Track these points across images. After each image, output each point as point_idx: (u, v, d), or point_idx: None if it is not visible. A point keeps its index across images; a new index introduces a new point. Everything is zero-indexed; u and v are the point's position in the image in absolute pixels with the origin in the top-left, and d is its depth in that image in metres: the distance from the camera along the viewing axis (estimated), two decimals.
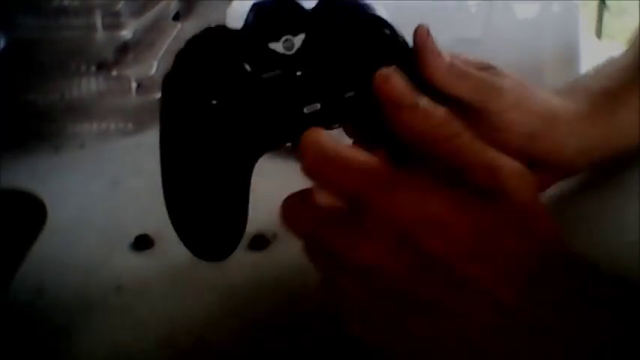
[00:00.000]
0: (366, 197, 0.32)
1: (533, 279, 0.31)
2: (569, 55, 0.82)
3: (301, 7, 0.40)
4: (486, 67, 0.46)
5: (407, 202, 0.31)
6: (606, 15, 1.30)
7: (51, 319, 0.49)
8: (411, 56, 0.41)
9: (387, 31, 0.41)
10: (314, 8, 0.40)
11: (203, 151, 0.38)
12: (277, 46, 0.39)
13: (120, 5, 0.73)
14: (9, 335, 0.47)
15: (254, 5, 0.41)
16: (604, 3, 1.25)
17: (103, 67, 0.74)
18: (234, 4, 0.82)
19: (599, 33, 1.27)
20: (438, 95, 0.40)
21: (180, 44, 0.42)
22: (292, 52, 0.39)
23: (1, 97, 0.71)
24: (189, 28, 0.95)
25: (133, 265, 0.54)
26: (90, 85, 0.73)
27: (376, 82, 0.36)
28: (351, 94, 0.39)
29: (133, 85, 0.74)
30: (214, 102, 0.37)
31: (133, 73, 0.74)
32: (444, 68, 0.42)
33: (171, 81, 0.40)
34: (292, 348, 0.46)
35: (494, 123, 0.46)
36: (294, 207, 0.36)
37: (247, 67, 0.38)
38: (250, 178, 0.40)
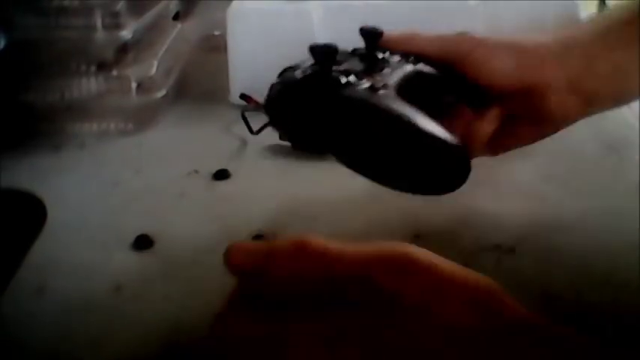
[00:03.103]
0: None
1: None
2: None
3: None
4: None
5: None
6: None
7: (51, 319, 0.49)
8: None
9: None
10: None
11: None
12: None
13: (120, 5, 0.73)
14: (9, 335, 0.47)
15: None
16: (604, 3, 1.25)
17: (103, 67, 0.74)
18: (233, 4, 0.82)
19: None
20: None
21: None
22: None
23: (1, 97, 0.71)
24: (189, 28, 0.95)
25: (133, 264, 0.54)
26: (90, 85, 0.73)
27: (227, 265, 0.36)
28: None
29: (133, 85, 0.74)
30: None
31: (133, 73, 0.74)
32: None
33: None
34: None
35: (473, 66, 0.52)
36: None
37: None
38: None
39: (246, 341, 0.32)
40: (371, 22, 0.84)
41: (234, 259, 0.35)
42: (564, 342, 0.29)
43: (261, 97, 0.83)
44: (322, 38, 0.82)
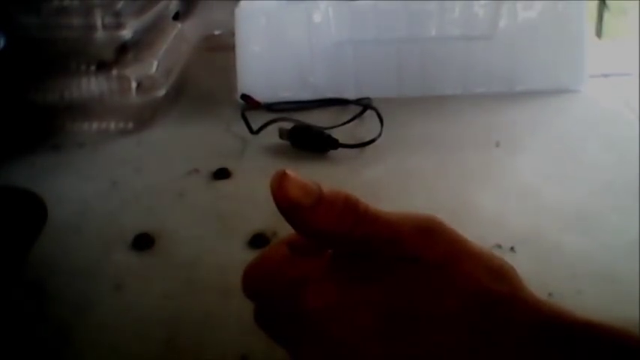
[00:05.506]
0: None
1: (480, 341, 0.29)
2: (575, 53, 0.82)
3: None
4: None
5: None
6: (606, 15, 1.30)
7: (51, 318, 0.49)
8: None
9: None
10: None
11: None
12: None
13: (120, 5, 0.73)
14: (9, 335, 0.47)
15: None
16: (604, 3, 1.25)
17: (103, 66, 0.74)
18: (241, 4, 0.82)
19: (599, 33, 1.27)
20: None
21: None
22: None
23: (1, 97, 0.71)
24: (189, 28, 0.95)
25: (133, 264, 0.54)
26: (90, 85, 0.74)
27: (271, 189, 0.32)
28: None
29: (133, 84, 0.74)
30: None
31: (132, 72, 0.75)
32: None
33: None
34: None
35: None
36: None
37: None
38: None
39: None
40: (379, 22, 0.84)
41: (288, 191, 0.31)
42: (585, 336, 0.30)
43: (267, 96, 0.83)
44: (330, 38, 0.83)
